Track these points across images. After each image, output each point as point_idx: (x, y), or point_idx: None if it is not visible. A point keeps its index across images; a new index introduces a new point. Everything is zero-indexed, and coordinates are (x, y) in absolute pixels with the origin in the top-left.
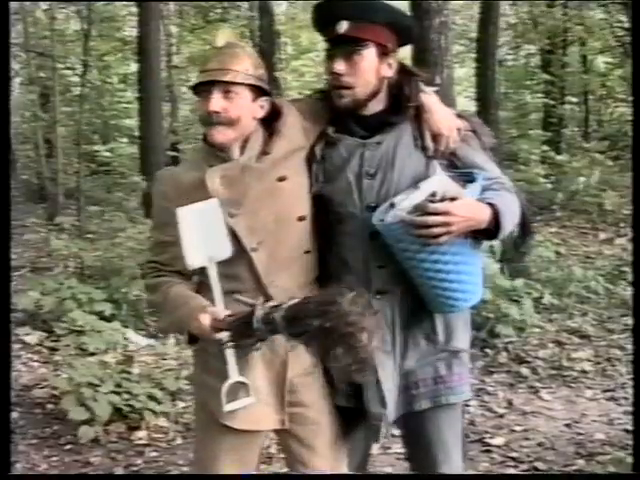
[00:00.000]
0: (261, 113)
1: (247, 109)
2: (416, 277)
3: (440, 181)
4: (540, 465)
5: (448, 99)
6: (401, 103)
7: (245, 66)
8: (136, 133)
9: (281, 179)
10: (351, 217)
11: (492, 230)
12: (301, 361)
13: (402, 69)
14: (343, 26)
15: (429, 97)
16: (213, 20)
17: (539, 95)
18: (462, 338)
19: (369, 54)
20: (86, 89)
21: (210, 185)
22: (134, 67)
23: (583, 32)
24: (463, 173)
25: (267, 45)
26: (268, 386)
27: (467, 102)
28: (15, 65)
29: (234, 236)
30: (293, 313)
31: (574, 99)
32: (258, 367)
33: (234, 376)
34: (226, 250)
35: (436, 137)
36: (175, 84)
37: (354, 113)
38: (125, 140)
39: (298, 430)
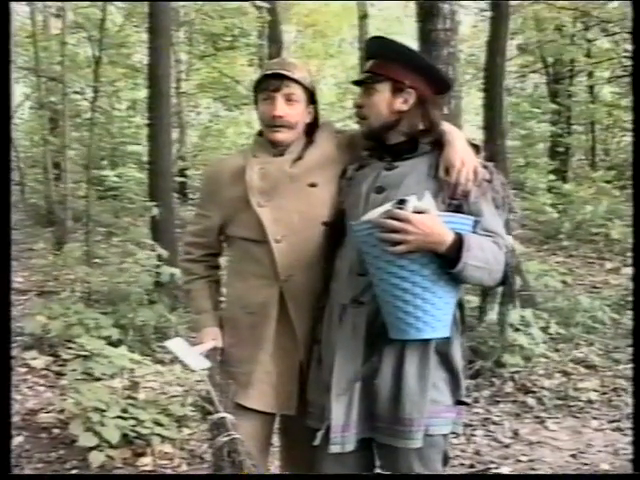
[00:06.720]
0: (308, 119)
1: (303, 114)
2: (375, 286)
3: (424, 202)
4: None
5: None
6: (418, 137)
7: (303, 71)
8: (145, 159)
9: (312, 185)
10: (351, 227)
11: (453, 259)
12: None
13: (421, 106)
14: (367, 63)
15: (453, 133)
16: (222, 48)
17: (546, 124)
18: (439, 373)
19: (382, 88)
20: (96, 114)
21: (248, 173)
22: (143, 93)
23: (589, 62)
24: (462, 217)
25: None
26: (284, 371)
27: (474, 130)
28: (25, 89)
29: (260, 225)
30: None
31: (581, 128)
32: (275, 354)
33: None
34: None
35: (448, 168)
36: (184, 110)
37: (381, 142)
38: (134, 165)
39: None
